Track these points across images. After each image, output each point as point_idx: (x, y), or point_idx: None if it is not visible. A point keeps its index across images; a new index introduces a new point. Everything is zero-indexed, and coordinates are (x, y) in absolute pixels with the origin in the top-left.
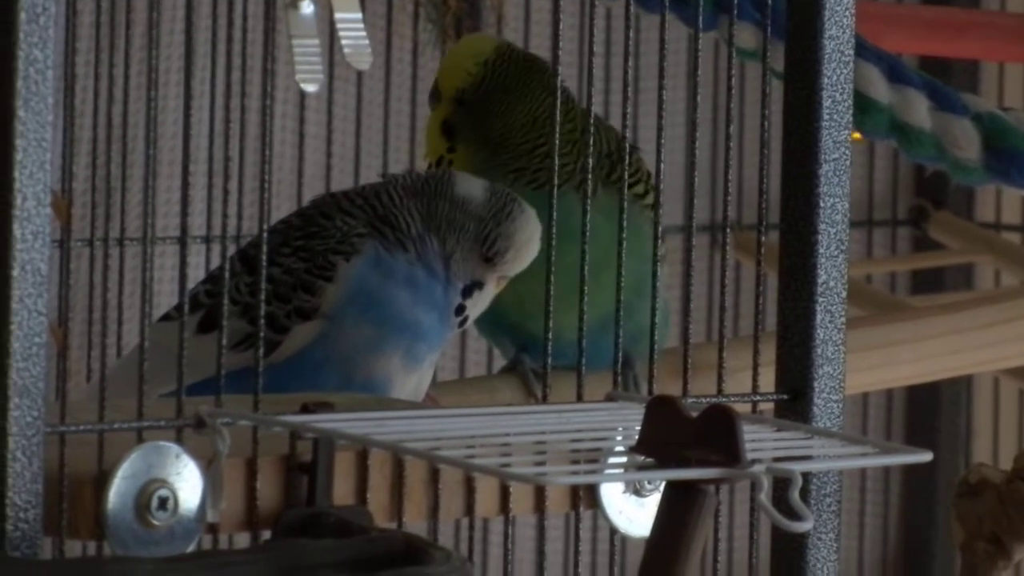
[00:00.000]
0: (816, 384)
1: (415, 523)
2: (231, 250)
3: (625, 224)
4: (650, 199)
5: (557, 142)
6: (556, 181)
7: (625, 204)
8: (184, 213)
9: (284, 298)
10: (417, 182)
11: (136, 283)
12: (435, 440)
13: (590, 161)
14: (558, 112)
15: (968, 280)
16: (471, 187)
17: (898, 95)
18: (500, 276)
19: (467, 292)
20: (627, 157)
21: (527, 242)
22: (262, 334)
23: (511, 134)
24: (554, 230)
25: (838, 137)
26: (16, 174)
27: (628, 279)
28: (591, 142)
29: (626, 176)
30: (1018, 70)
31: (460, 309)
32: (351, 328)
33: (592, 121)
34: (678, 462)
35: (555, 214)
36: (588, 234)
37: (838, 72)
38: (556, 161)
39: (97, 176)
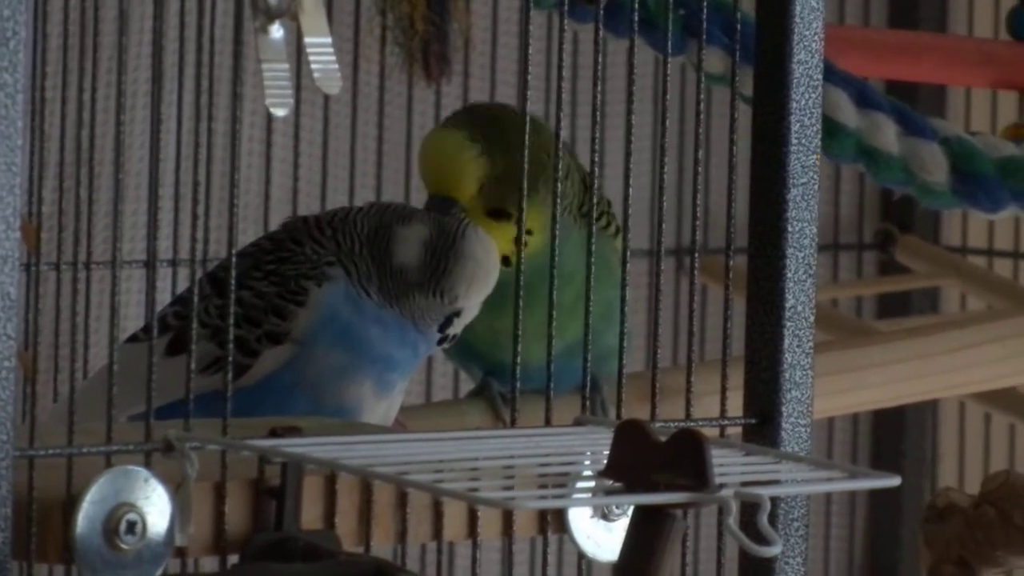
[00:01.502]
0: (784, 408)
1: (383, 547)
2: (199, 273)
3: (595, 254)
4: (612, 229)
5: (525, 172)
6: (524, 215)
7: (595, 234)
8: (151, 236)
9: (255, 321)
10: (370, 233)
11: (103, 307)
12: (403, 464)
13: (558, 186)
14: (527, 142)
15: (934, 304)
16: (407, 253)
17: (866, 119)
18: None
19: (446, 323)
20: (595, 180)
21: (475, 277)
22: (231, 357)
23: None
24: (522, 265)
25: (806, 161)
26: None
27: (596, 307)
28: (559, 165)
29: (594, 206)
30: (985, 95)
31: (442, 340)
32: (322, 353)
33: (564, 152)
34: (646, 486)
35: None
36: (559, 274)
37: (806, 96)
38: (524, 193)
39: (64, 200)
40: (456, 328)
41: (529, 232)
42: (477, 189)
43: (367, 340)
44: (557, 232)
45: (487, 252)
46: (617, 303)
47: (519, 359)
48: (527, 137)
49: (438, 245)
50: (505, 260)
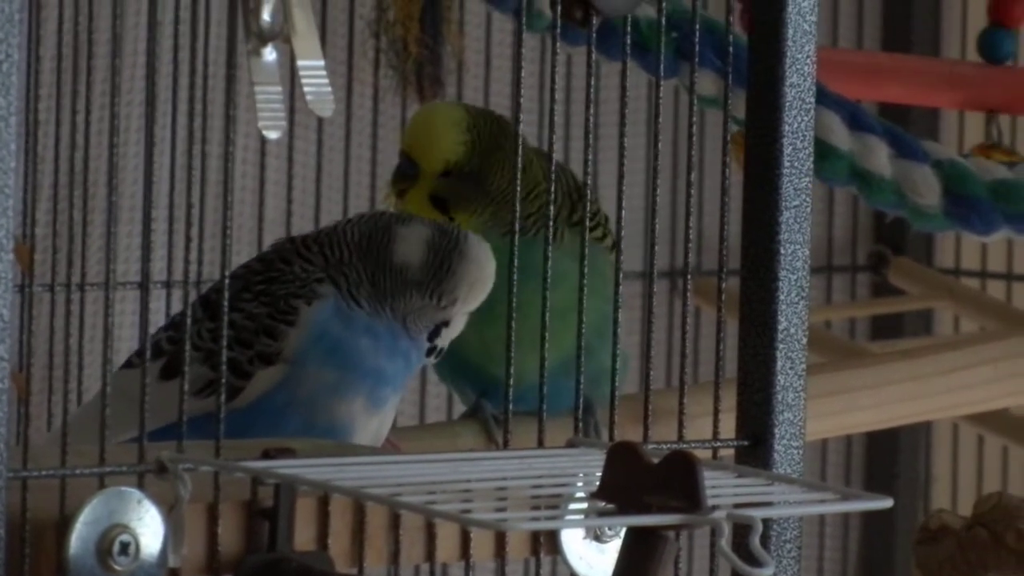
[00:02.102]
0: (776, 430)
1: (376, 568)
2: (193, 295)
3: (589, 266)
4: (608, 241)
5: (519, 187)
6: (517, 227)
7: (587, 245)
8: (145, 258)
9: (246, 343)
10: (363, 240)
11: (97, 328)
12: (396, 486)
13: (551, 208)
14: (520, 158)
15: (927, 326)
16: (409, 251)
17: (858, 142)
18: (463, 312)
19: (434, 334)
20: (587, 199)
21: (478, 280)
22: (224, 380)
23: (507, 188)
24: (516, 275)
25: (799, 184)
26: None
27: (590, 320)
28: (553, 188)
29: (587, 218)
30: (978, 117)
31: (431, 351)
32: (313, 372)
33: (553, 166)
34: (639, 508)
35: (518, 259)
36: (550, 277)
37: (799, 119)
38: (518, 207)
39: (58, 221)
40: (444, 340)
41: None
42: (441, 169)
43: (358, 354)
44: (544, 237)
45: (489, 259)
46: (611, 319)
47: (513, 374)
48: (519, 158)
49: (441, 245)
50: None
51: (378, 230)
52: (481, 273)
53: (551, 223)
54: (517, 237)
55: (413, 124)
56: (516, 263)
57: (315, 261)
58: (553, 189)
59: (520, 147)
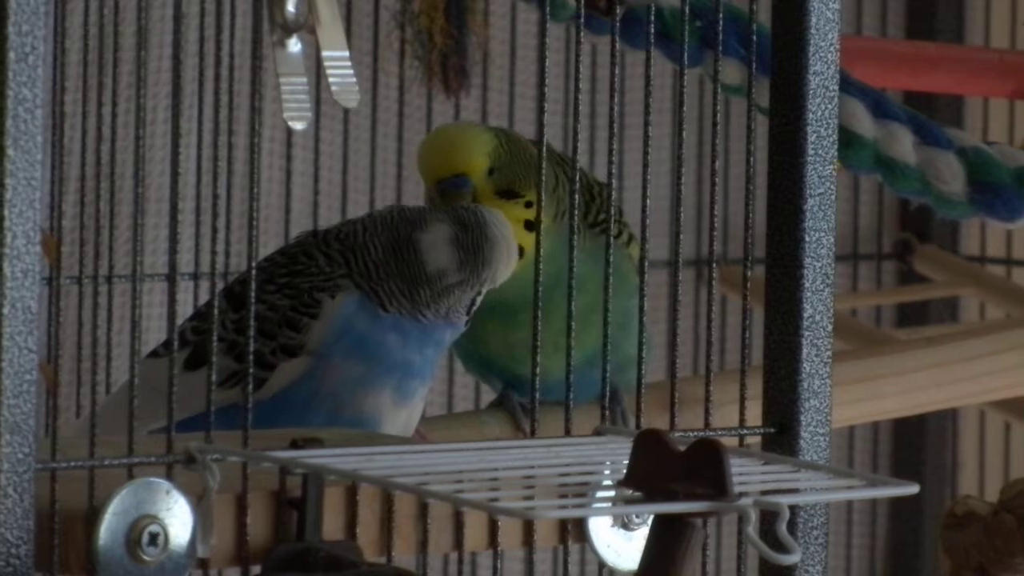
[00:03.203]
0: (803, 417)
1: (404, 557)
2: (220, 286)
3: (610, 264)
4: (625, 236)
5: (543, 183)
6: (541, 225)
7: (610, 244)
8: (172, 250)
9: (269, 335)
10: (387, 255)
11: (124, 320)
12: (424, 475)
13: (576, 199)
14: (543, 154)
15: (953, 313)
16: (440, 257)
17: (883, 130)
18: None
19: (470, 306)
20: (610, 197)
21: (508, 254)
22: (251, 370)
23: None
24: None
25: (823, 172)
26: (5, 212)
27: (612, 317)
28: (576, 178)
29: (612, 216)
30: (1002, 105)
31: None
32: (338, 365)
33: (561, 166)
34: (666, 496)
35: (541, 256)
36: (560, 277)
37: (823, 107)
38: (541, 203)
39: (85, 214)
40: (477, 303)
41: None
42: (487, 168)
43: (384, 348)
44: (572, 241)
45: (508, 226)
46: (633, 312)
47: (538, 372)
48: (543, 149)
49: (467, 239)
50: (519, 251)
51: (400, 243)
52: (510, 247)
53: (574, 223)
54: (540, 239)
55: (439, 147)
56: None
57: (337, 260)
58: (575, 179)
59: (543, 143)
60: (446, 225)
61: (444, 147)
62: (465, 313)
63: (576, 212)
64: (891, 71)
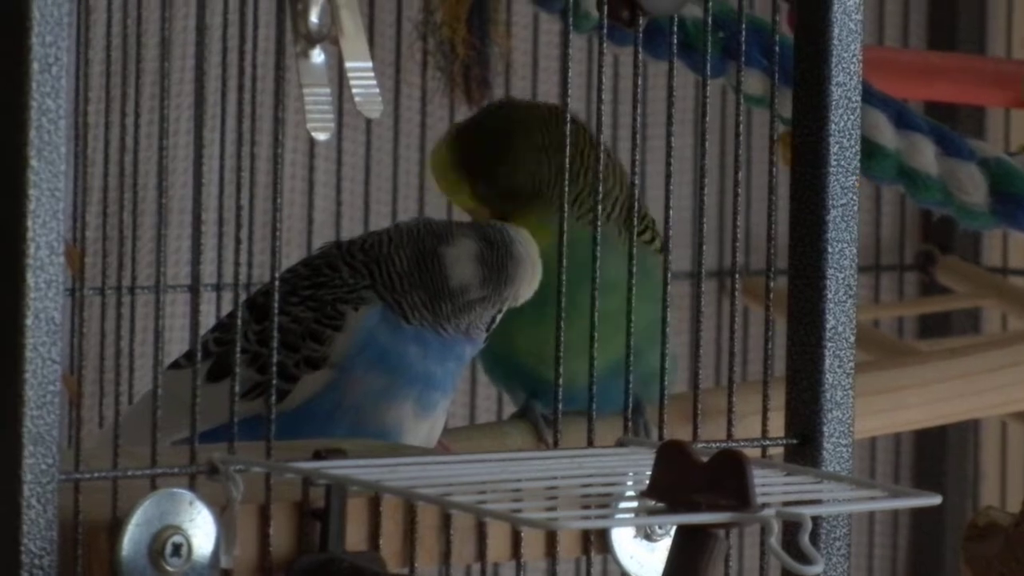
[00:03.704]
0: (825, 428)
1: (427, 568)
2: (243, 297)
3: (639, 268)
4: (657, 244)
5: (566, 186)
6: (565, 221)
7: (637, 248)
8: (195, 261)
9: (293, 347)
10: (411, 268)
11: (148, 331)
12: (447, 486)
13: (599, 207)
14: (567, 158)
15: (975, 324)
16: (464, 273)
17: (905, 140)
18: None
19: (490, 324)
20: (636, 200)
21: (532, 274)
22: (274, 380)
23: (547, 175)
24: (568, 274)
25: (846, 183)
26: (29, 223)
27: (640, 323)
28: (600, 188)
29: (636, 220)
30: None
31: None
32: (361, 377)
33: (608, 166)
34: (688, 506)
35: (569, 257)
36: (603, 280)
37: (845, 118)
38: (565, 198)
39: (108, 224)
40: (496, 321)
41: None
42: (474, 204)
43: (406, 360)
44: (597, 239)
45: (535, 247)
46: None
47: (563, 376)
48: (566, 161)
49: (492, 257)
50: None
51: (426, 256)
52: (534, 267)
53: (598, 223)
54: (564, 238)
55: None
56: (573, 260)
57: (361, 272)
58: (601, 191)
59: (568, 148)
60: (472, 241)
61: (436, 180)
62: (485, 330)
63: (600, 214)
64: (893, 80)
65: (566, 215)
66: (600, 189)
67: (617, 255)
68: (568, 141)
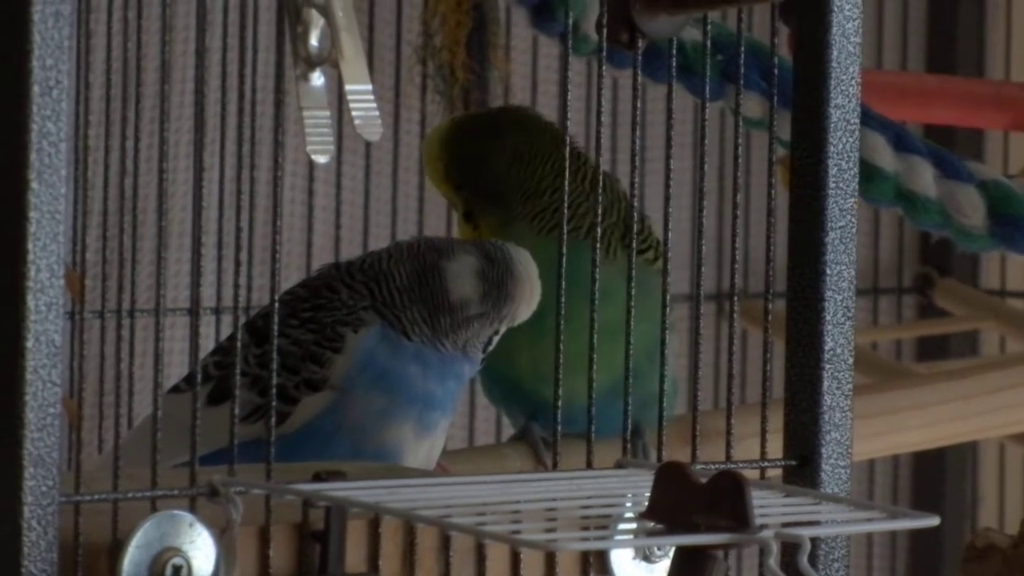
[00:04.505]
0: (823, 450)
1: None
2: (242, 320)
3: (639, 288)
4: (659, 264)
5: (567, 200)
6: (565, 237)
7: (638, 268)
8: (195, 284)
9: (293, 369)
10: (412, 283)
11: (147, 354)
12: (446, 507)
13: (599, 229)
14: (567, 175)
15: (973, 347)
16: (464, 288)
17: (904, 163)
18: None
19: (487, 344)
20: (636, 221)
21: (532, 294)
22: (274, 403)
23: (518, 182)
24: (565, 286)
25: (844, 205)
26: (30, 246)
27: (641, 343)
28: (599, 208)
29: (636, 239)
30: (1023, 138)
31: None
32: (361, 399)
33: (605, 183)
34: (687, 528)
35: (567, 268)
36: (601, 294)
37: (844, 140)
38: (565, 216)
39: (108, 248)
40: (494, 343)
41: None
42: (445, 188)
43: (407, 381)
44: (597, 258)
45: (534, 266)
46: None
47: (562, 396)
48: (566, 184)
49: (492, 273)
50: None
51: (426, 271)
52: (533, 287)
53: (597, 240)
54: (565, 254)
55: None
56: (564, 272)
57: (361, 291)
58: (601, 205)
59: (567, 175)
60: (473, 257)
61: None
62: (482, 351)
63: (599, 230)
64: (891, 103)
65: (532, 226)
66: (599, 212)
67: (614, 270)
68: (551, 152)
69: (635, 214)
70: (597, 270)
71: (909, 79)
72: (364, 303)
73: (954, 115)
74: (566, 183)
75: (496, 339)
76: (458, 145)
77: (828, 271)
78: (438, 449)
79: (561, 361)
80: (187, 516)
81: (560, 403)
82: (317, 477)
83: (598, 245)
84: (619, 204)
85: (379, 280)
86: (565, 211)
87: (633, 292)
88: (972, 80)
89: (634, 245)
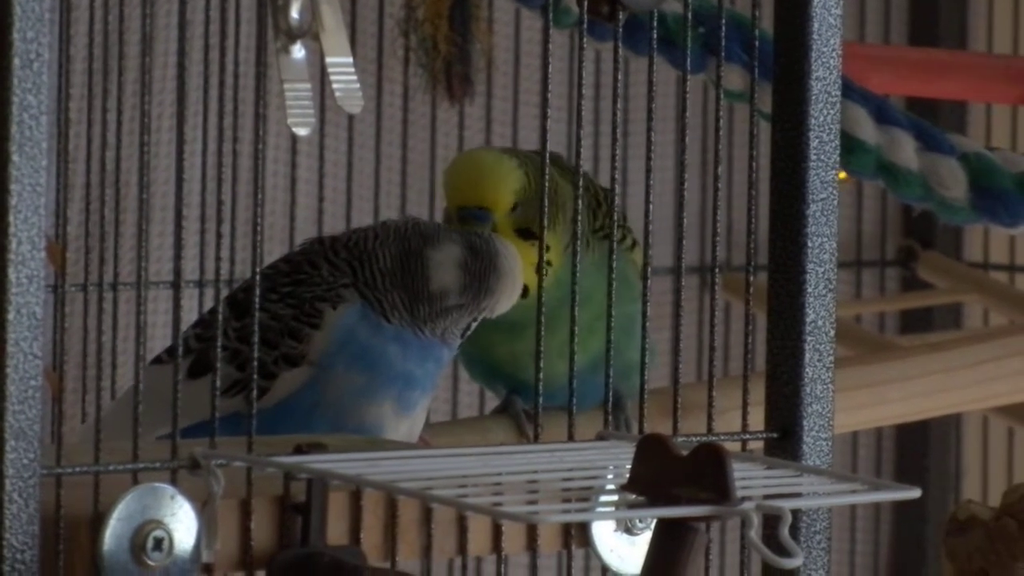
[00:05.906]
0: (805, 422)
1: (408, 562)
2: (224, 294)
3: (614, 271)
4: (629, 241)
5: (546, 190)
6: (544, 233)
7: (615, 251)
8: (177, 257)
9: (271, 344)
10: (395, 266)
11: (130, 327)
12: (428, 480)
13: (580, 208)
14: (546, 161)
15: (956, 319)
16: (445, 277)
17: (885, 135)
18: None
19: (465, 331)
20: (612, 203)
21: (513, 289)
22: (255, 376)
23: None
24: (543, 294)
25: (825, 177)
26: (11, 218)
27: (617, 322)
28: (580, 185)
29: (615, 223)
30: (1005, 110)
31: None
32: (340, 375)
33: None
34: (669, 500)
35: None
36: (578, 285)
37: (825, 113)
38: (545, 209)
39: (90, 221)
40: (471, 329)
41: (549, 263)
42: (511, 206)
43: (386, 359)
44: (577, 251)
45: (518, 263)
46: (636, 317)
47: (543, 378)
48: (546, 163)
49: (475, 266)
50: (524, 291)
51: (410, 256)
52: (515, 282)
53: (580, 236)
54: (579, 254)
55: (468, 175)
56: (542, 282)
57: (343, 269)
58: (580, 200)
59: (546, 149)
60: (458, 247)
61: (473, 176)
62: (459, 337)
63: (583, 221)
64: (898, 77)
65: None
66: (580, 195)
67: (588, 263)
68: (546, 148)
69: (614, 187)
70: (574, 268)
71: (919, 54)
72: (344, 280)
73: (964, 90)
74: (545, 179)
75: (474, 325)
76: (526, 167)
77: (809, 243)
78: (418, 427)
79: (539, 351)
80: (169, 489)
81: (541, 383)
82: (298, 450)
83: (579, 240)
84: (588, 192)
85: (363, 260)
86: (544, 204)
87: (605, 277)
88: (981, 55)
89: (614, 228)
